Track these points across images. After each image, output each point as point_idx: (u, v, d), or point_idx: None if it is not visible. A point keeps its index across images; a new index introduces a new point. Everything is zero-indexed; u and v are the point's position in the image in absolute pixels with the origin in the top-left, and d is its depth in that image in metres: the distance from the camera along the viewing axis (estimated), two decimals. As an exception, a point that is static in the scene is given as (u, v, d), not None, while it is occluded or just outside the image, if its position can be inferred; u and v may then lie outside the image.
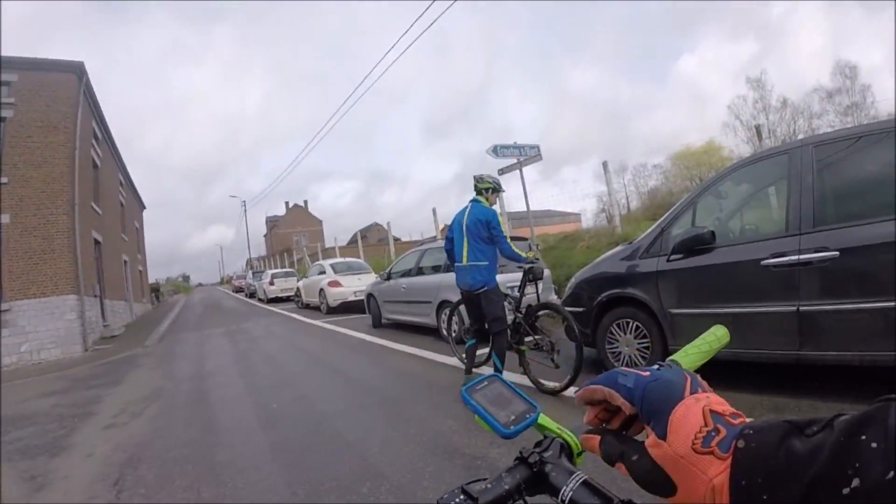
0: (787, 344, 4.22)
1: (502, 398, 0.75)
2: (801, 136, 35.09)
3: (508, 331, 5.73)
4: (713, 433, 0.51)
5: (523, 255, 5.51)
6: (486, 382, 0.76)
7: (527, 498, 0.70)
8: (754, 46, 71.82)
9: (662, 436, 0.53)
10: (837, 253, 3.92)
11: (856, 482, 0.38)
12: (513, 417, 0.72)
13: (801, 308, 4.10)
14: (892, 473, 0.36)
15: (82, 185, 16.78)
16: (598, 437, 0.62)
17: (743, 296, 4.52)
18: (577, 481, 0.65)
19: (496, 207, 5.86)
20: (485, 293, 5.51)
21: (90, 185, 19.09)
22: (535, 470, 0.69)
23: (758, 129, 35.11)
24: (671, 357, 0.86)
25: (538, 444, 0.72)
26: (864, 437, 0.40)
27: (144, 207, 38.91)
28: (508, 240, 5.50)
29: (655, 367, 0.68)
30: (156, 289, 45.79)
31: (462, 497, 0.62)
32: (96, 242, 19.28)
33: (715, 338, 0.93)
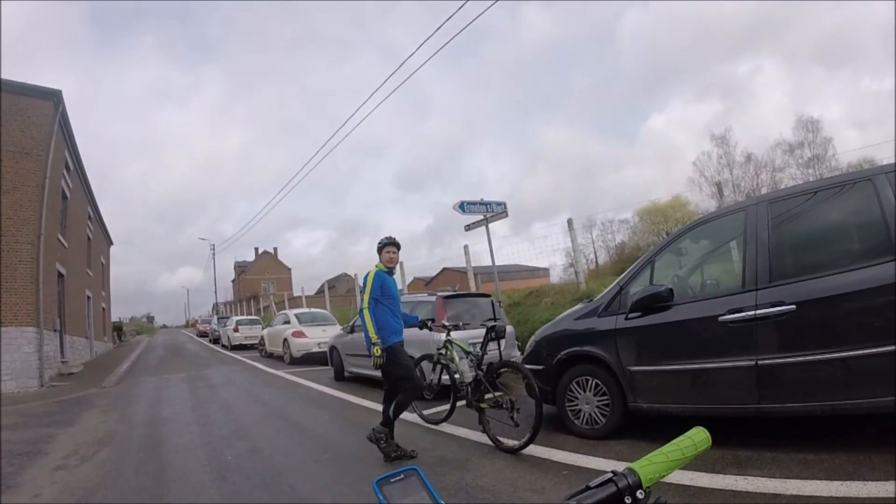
0: (747, 398, 4.27)
1: (415, 495, 0.74)
2: (764, 189, 36.22)
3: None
4: None
5: (370, 329, 5.35)
6: (402, 476, 0.75)
7: None
8: (719, 106, 74.03)
9: None
10: (794, 306, 4.01)
11: None
12: None
13: (759, 362, 4.16)
14: None
15: (50, 215, 16.51)
16: None
17: (701, 352, 4.58)
18: None
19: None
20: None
21: (58, 216, 18.78)
22: None
23: (719, 185, 35.85)
24: (630, 465, 0.82)
25: None
26: None
27: (112, 243, 38.34)
28: (365, 300, 5.44)
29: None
30: (118, 328, 44.92)
31: None
32: (60, 275, 18.86)
33: (691, 443, 0.88)
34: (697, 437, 0.89)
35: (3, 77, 15.73)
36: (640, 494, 0.79)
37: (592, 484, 0.79)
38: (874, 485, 3.39)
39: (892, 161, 4.67)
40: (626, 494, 0.78)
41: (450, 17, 12.75)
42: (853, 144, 49.44)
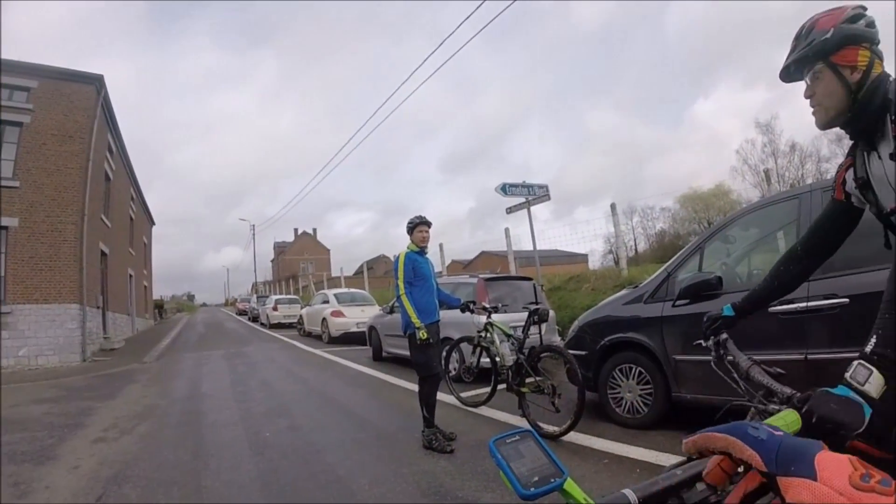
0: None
1: (531, 456, 0.71)
2: (809, 180, 35.65)
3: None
4: (868, 476, 0.47)
5: (411, 315, 5.24)
6: (517, 437, 0.73)
7: None
8: (767, 94, 72.92)
9: (811, 476, 0.49)
10: (847, 300, 3.82)
11: None
12: (536, 479, 0.69)
13: (809, 356, 4.00)
14: None
15: (93, 196, 16.89)
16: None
17: (750, 343, 4.38)
18: None
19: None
20: (408, 336, 5.41)
21: (101, 197, 19.22)
22: None
23: (766, 173, 34.98)
24: None
25: None
26: None
27: (154, 223, 39.14)
28: (400, 286, 5.35)
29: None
30: (159, 305, 45.84)
31: None
32: (103, 254, 19.33)
33: (784, 424, 0.88)
34: (789, 419, 0.92)
35: (49, 64, 16.34)
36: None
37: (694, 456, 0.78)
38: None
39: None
40: None
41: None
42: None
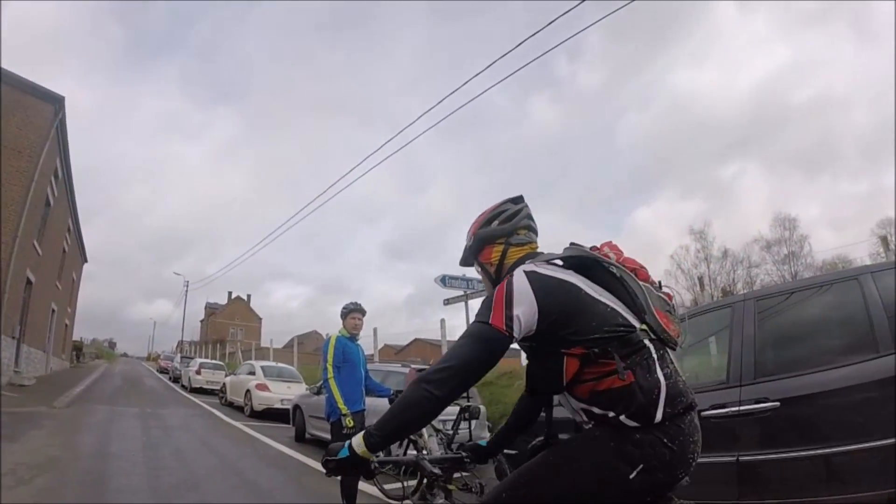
0: (726, 494, 4.13)
1: None
2: (740, 284, 39.57)
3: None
4: None
5: (338, 400, 5.23)
6: None
7: None
8: (703, 205, 79.13)
9: None
10: (778, 403, 3.96)
11: None
12: None
13: (740, 458, 4.08)
14: None
15: (29, 219, 16.28)
16: None
17: None
18: None
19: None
20: (331, 424, 5.39)
21: (37, 222, 18.54)
22: None
23: (701, 279, 36.60)
24: None
25: None
26: None
27: (86, 260, 38.13)
28: (329, 369, 5.35)
29: None
30: (78, 347, 44.11)
31: None
32: (28, 282, 18.54)
33: None
34: None
35: (13, 71, 15.76)
36: None
37: None
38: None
39: (867, 260, 4.84)
40: None
41: (452, 93, 13.07)
42: (829, 243, 53.49)
